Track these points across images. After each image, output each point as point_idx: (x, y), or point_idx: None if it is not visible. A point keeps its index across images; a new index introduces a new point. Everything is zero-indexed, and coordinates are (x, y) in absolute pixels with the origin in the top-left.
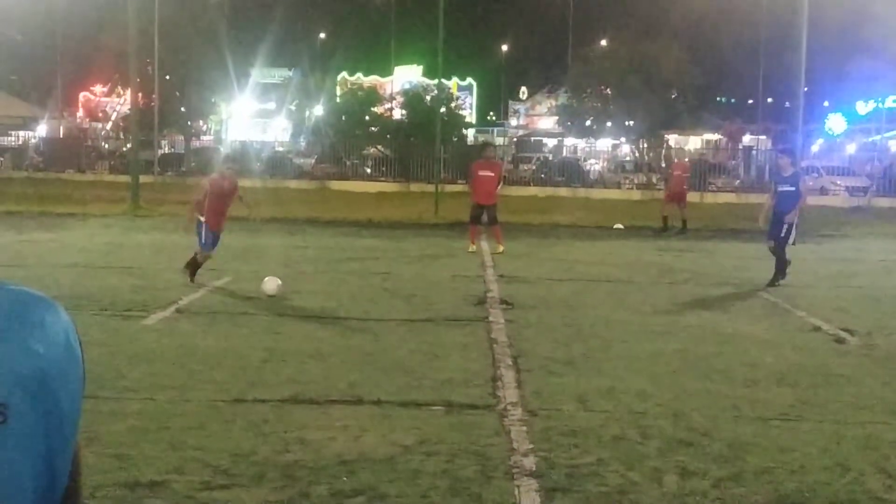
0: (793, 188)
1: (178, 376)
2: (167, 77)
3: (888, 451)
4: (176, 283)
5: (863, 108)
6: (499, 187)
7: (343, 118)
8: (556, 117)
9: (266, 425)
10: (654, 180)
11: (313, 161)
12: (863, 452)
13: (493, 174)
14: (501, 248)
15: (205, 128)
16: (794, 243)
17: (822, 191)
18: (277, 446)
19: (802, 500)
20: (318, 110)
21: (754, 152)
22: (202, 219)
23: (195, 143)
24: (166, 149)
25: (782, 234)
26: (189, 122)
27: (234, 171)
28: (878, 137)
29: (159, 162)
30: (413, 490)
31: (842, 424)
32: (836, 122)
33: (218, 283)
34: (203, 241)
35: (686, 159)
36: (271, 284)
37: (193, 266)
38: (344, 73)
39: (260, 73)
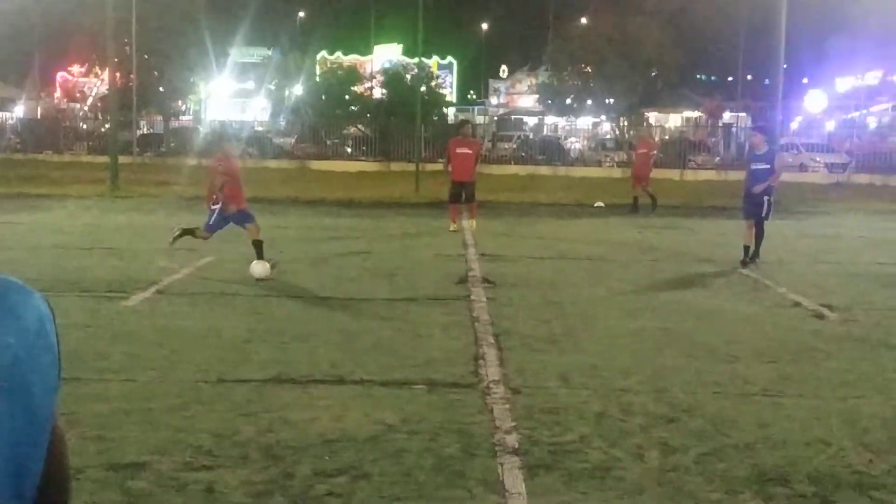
0: (767, 166)
1: (159, 357)
2: (145, 57)
3: (868, 426)
4: (156, 263)
5: (842, 84)
6: (477, 165)
7: (323, 97)
8: (537, 95)
9: (249, 405)
10: (634, 158)
11: (293, 141)
12: (843, 427)
13: (470, 151)
14: (474, 225)
15: (183, 108)
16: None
17: (802, 167)
18: (260, 426)
19: (783, 474)
20: (298, 90)
21: (734, 129)
22: (216, 207)
23: (174, 124)
24: (145, 129)
25: (763, 213)
26: (168, 102)
27: (233, 149)
28: (857, 114)
29: (138, 142)
30: (396, 469)
31: (822, 399)
32: (815, 99)
33: (199, 263)
34: (211, 222)
35: (651, 138)
36: (260, 268)
37: (188, 233)
38: (323, 53)
39: (239, 53)
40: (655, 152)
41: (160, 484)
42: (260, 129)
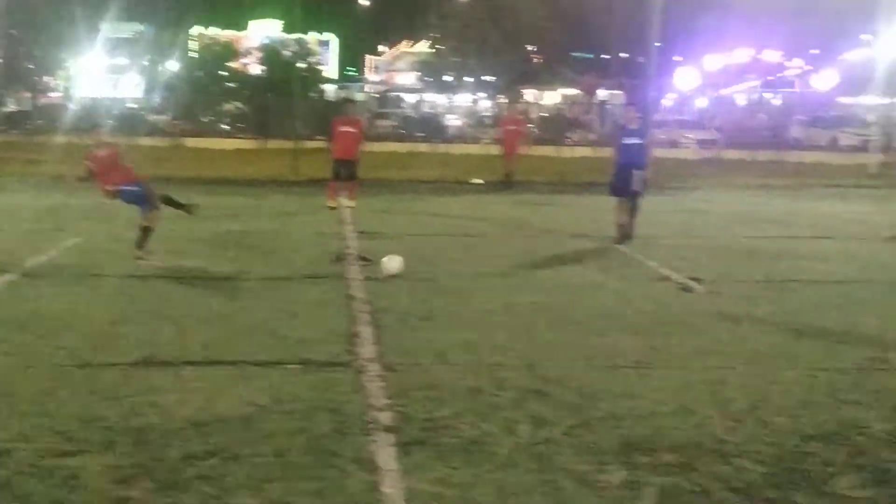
0: (639, 141)
1: (24, 342)
2: (12, 32)
3: (731, 395)
4: (23, 245)
5: (712, 62)
6: (361, 144)
7: (199, 74)
8: (417, 73)
9: (116, 389)
10: (502, 134)
11: (168, 118)
12: (707, 396)
13: (354, 130)
14: (352, 204)
15: (53, 84)
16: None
17: (673, 144)
18: (128, 411)
19: (649, 444)
20: (173, 65)
21: (609, 106)
22: (110, 189)
23: (42, 100)
24: (12, 106)
25: (637, 189)
26: (36, 79)
27: (108, 135)
28: (726, 91)
29: (5, 120)
30: (268, 449)
31: (688, 370)
32: (686, 77)
33: (66, 244)
34: (140, 199)
35: (522, 114)
36: (394, 263)
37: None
38: (198, 28)
39: (111, 28)
40: (531, 127)
41: (21, 472)
42: (133, 105)
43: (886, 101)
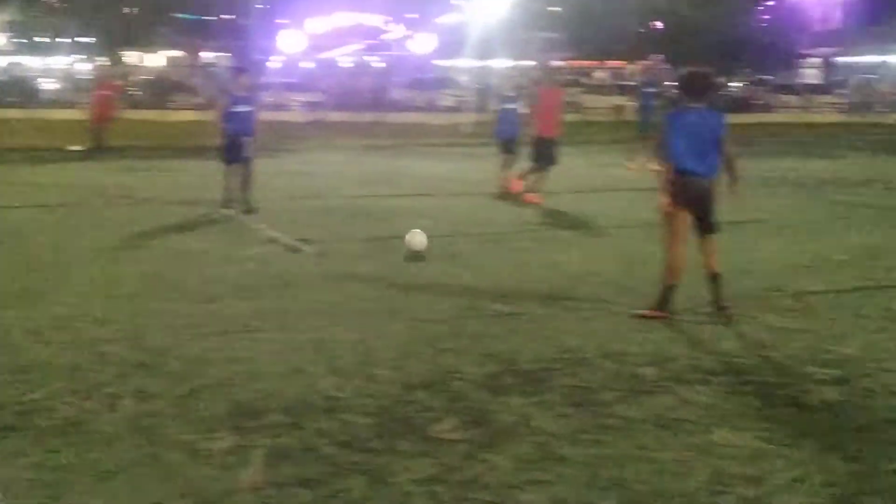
0: (249, 108)
1: None
2: None
3: (338, 352)
4: None
5: (314, 25)
6: None
7: None
8: (7, 33)
9: None
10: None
11: None
12: (315, 355)
13: None
14: None
15: None
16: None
17: (280, 107)
18: None
19: (257, 407)
20: None
21: (213, 69)
22: None
23: None
24: None
25: (246, 155)
26: None
27: None
28: (330, 54)
29: None
30: None
31: (297, 331)
32: (291, 39)
33: None
34: None
35: (118, 78)
36: (420, 238)
37: None
38: None
39: None
40: (134, 90)
41: None
42: None
43: (479, 63)
